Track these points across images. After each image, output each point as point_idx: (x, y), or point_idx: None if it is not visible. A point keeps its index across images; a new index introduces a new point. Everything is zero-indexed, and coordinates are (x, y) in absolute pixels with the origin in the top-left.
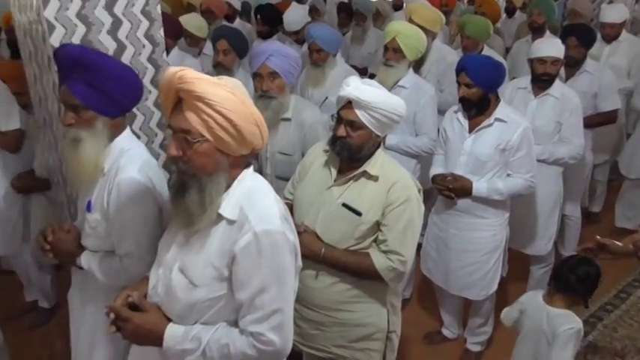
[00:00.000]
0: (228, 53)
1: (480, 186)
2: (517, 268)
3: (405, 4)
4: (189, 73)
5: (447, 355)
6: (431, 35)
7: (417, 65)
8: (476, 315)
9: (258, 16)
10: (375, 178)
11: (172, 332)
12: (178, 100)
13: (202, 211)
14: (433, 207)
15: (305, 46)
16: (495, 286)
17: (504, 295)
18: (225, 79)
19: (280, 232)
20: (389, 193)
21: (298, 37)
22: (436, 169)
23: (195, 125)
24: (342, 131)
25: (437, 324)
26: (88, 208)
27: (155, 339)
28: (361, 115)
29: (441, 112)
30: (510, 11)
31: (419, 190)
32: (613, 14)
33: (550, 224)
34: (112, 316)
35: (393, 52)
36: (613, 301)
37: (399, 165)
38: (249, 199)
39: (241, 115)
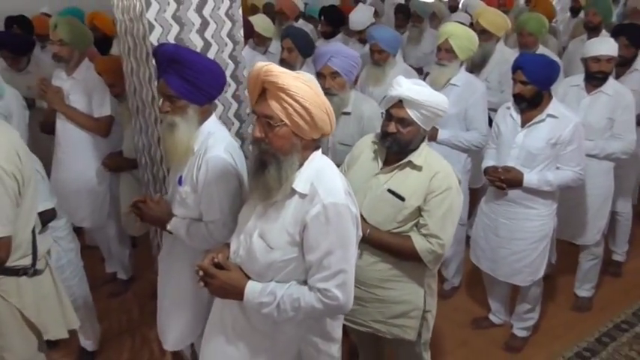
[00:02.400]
0: (292, 51)
1: (530, 177)
2: (566, 260)
3: (460, 5)
4: (274, 68)
5: (493, 340)
6: (495, 39)
7: (479, 67)
8: (523, 301)
9: (322, 17)
10: (419, 168)
11: (252, 287)
12: (263, 90)
13: (279, 185)
14: (483, 198)
15: (367, 46)
16: (542, 273)
17: (552, 286)
18: (302, 74)
19: (345, 204)
20: (431, 181)
21: (362, 36)
22: (488, 162)
23: (276, 112)
24: (392, 128)
25: (484, 311)
26: (180, 182)
27: (237, 293)
28: (411, 113)
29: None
30: (576, 10)
31: (459, 181)
32: None
33: (600, 217)
34: (201, 273)
35: (445, 52)
36: None
37: (442, 157)
38: (319, 176)
39: (315, 104)
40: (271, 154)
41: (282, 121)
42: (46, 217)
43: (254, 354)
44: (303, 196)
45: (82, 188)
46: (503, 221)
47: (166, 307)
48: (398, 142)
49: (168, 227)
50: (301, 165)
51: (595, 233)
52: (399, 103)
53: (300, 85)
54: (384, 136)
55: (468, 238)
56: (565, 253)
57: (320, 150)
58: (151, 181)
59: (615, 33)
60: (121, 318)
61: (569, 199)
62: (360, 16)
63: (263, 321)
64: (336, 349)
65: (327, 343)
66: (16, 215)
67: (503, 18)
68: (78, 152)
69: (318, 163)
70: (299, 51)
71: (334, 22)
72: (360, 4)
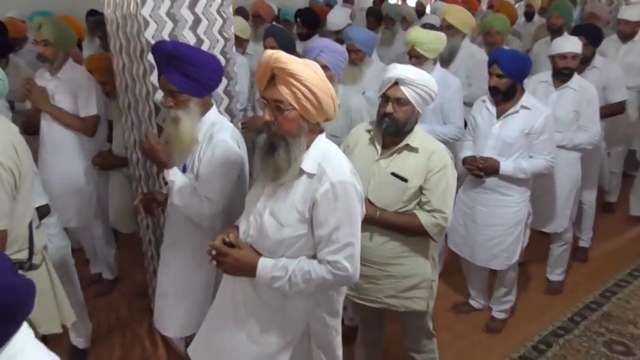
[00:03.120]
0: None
1: (506, 165)
2: (537, 249)
3: (428, 10)
4: (283, 55)
5: (473, 324)
6: (461, 35)
7: (447, 62)
8: (501, 285)
9: (298, 19)
10: (415, 150)
11: (264, 263)
12: (272, 76)
13: (288, 166)
14: (461, 187)
15: (343, 47)
16: (517, 257)
17: (526, 272)
18: (308, 61)
19: (351, 182)
20: (429, 161)
21: (338, 37)
22: (466, 153)
23: (286, 96)
24: (389, 108)
25: (464, 297)
26: (184, 169)
27: (250, 270)
28: (407, 92)
29: (470, 104)
30: (529, 15)
31: (452, 159)
32: (631, 12)
33: (568, 204)
34: (214, 252)
35: (415, 58)
36: (627, 278)
37: (434, 138)
38: (325, 157)
39: (322, 89)
40: (280, 136)
41: (292, 105)
42: (41, 213)
43: (265, 329)
44: (311, 175)
45: (69, 188)
46: (480, 208)
47: (167, 296)
48: (395, 122)
49: (170, 176)
50: (308, 147)
51: (564, 220)
52: (395, 84)
53: (308, 71)
54: (381, 118)
55: None
56: (536, 242)
57: (324, 134)
58: (143, 177)
59: (575, 33)
60: (109, 317)
61: (539, 189)
62: (337, 18)
63: (274, 297)
64: (338, 324)
65: (333, 318)
66: (12, 209)
67: (468, 15)
68: (64, 152)
69: (323, 145)
70: (281, 49)
71: (310, 24)
72: (337, 6)
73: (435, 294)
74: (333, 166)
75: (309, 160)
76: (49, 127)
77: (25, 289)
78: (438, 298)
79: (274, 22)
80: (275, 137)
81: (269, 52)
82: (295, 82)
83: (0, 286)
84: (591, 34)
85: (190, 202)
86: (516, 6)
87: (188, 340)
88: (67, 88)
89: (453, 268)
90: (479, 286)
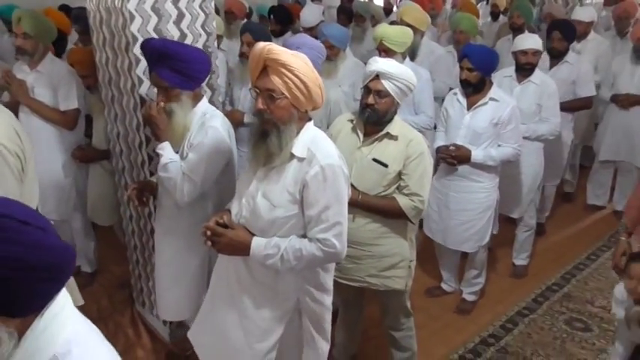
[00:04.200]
0: (251, 45)
1: (477, 153)
2: (503, 236)
3: (394, 9)
4: (275, 47)
5: (445, 305)
6: (419, 33)
7: (410, 59)
8: (471, 267)
9: (272, 16)
10: (395, 138)
11: (257, 242)
12: (264, 67)
13: (280, 151)
14: (434, 176)
15: None
16: (487, 239)
17: (493, 258)
18: (298, 53)
19: (339, 165)
20: (407, 148)
21: (311, 33)
22: (439, 142)
23: (278, 85)
24: (371, 100)
25: (436, 281)
26: None
27: (243, 248)
28: (387, 85)
29: (435, 98)
30: (495, 15)
31: (428, 147)
32: (583, 14)
33: (532, 191)
34: (209, 233)
35: (384, 52)
36: (585, 261)
37: (411, 127)
38: (314, 142)
39: (311, 79)
40: (272, 123)
41: (283, 93)
42: None
43: (258, 305)
44: (301, 159)
45: (48, 181)
46: (453, 194)
47: (163, 282)
48: (376, 112)
49: (160, 149)
50: (298, 133)
51: (528, 205)
52: (376, 77)
53: (299, 61)
54: (363, 108)
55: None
56: (503, 229)
57: (312, 121)
58: (127, 168)
59: (550, 28)
60: (91, 308)
61: (506, 177)
62: (310, 15)
63: (265, 274)
64: (329, 300)
65: (321, 293)
66: (21, 193)
67: (424, 14)
68: (43, 145)
69: (312, 131)
70: None
71: (283, 20)
72: (309, 4)
73: (413, 274)
74: (321, 151)
75: (299, 145)
76: (27, 119)
77: (69, 251)
78: (412, 282)
79: (246, 19)
80: (267, 124)
81: (261, 44)
82: (287, 72)
83: (52, 246)
84: (566, 29)
85: (174, 177)
86: (478, 6)
87: (172, 327)
88: (47, 81)
89: (427, 255)
90: (451, 270)
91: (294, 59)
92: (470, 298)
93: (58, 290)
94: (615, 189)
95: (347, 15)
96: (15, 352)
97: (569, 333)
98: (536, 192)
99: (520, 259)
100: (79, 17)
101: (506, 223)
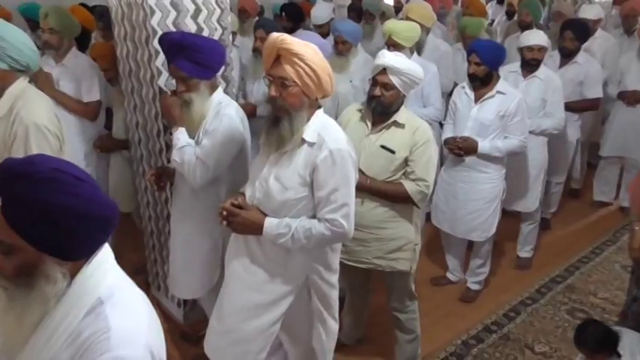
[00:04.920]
0: (264, 40)
1: (483, 145)
2: (508, 229)
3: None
4: (288, 37)
5: (450, 295)
6: (425, 30)
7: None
8: (476, 256)
9: (283, 14)
10: (402, 126)
11: (270, 222)
12: (277, 56)
13: (291, 135)
14: (442, 167)
15: (328, 39)
16: (494, 230)
17: (498, 250)
18: (309, 43)
19: (347, 150)
20: (414, 135)
21: (323, 30)
22: (447, 134)
23: (290, 74)
24: (377, 92)
25: (442, 271)
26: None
27: (257, 228)
28: (393, 79)
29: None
30: (511, 14)
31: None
32: (590, 12)
33: (536, 185)
34: (225, 213)
35: (393, 47)
36: (589, 255)
37: (417, 116)
38: (324, 128)
39: (321, 68)
40: (285, 109)
41: (295, 81)
42: None
43: (269, 280)
44: (311, 144)
45: None
46: (460, 185)
47: (179, 262)
48: (382, 104)
49: (177, 133)
50: (308, 120)
51: (533, 200)
52: (384, 70)
53: (310, 51)
54: (370, 99)
55: (428, 215)
56: (508, 222)
57: (322, 109)
58: (145, 156)
59: (563, 27)
60: None
61: (511, 171)
62: (321, 12)
63: (277, 252)
64: (335, 279)
65: (328, 272)
66: None
67: (429, 10)
68: (66, 136)
69: (322, 118)
70: None
71: (294, 17)
72: (320, 1)
73: (418, 257)
74: (331, 136)
75: (309, 131)
76: None
77: (116, 207)
78: (418, 272)
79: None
80: (280, 111)
81: (274, 34)
82: (298, 61)
83: (103, 201)
84: (579, 28)
85: (188, 160)
86: (488, 5)
87: (186, 309)
88: (71, 74)
89: (433, 247)
90: (456, 260)
91: (306, 49)
92: (474, 287)
93: (104, 241)
94: (622, 186)
95: (357, 13)
96: (67, 292)
97: (571, 322)
98: (541, 185)
99: (524, 252)
100: (101, 14)
101: (511, 217)
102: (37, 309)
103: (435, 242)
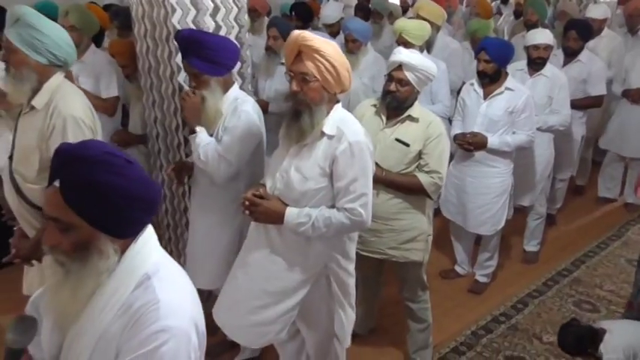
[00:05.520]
0: (277, 39)
1: (492, 140)
2: (515, 225)
3: (410, 7)
4: (308, 34)
5: (458, 287)
6: (435, 27)
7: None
8: (484, 250)
9: (293, 13)
10: (416, 120)
11: (291, 211)
12: (299, 52)
13: (312, 129)
14: (451, 162)
15: (336, 39)
16: (503, 223)
17: (505, 244)
18: (328, 40)
19: (365, 142)
20: (427, 129)
21: (333, 29)
22: (456, 130)
23: (311, 69)
24: (393, 87)
25: (450, 264)
26: None
27: (278, 217)
28: (408, 75)
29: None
30: (519, 14)
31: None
32: (596, 11)
33: (542, 180)
34: (247, 203)
35: (403, 45)
36: (595, 249)
37: (430, 111)
38: (343, 121)
39: (341, 63)
40: (306, 104)
41: (316, 77)
42: None
43: (289, 268)
44: (330, 137)
45: None
46: (470, 180)
47: (198, 254)
48: (397, 99)
49: (198, 133)
50: (328, 113)
51: (539, 194)
52: (399, 67)
53: (330, 47)
54: (385, 94)
55: (437, 210)
56: (514, 217)
57: (340, 103)
58: (163, 150)
59: (567, 27)
60: None
61: (517, 166)
62: (331, 11)
63: (297, 241)
64: (352, 268)
65: (346, 260)
66: None
67: (440, 9)
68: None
69: (340, 112)
70: (283, 39)
71: (304, 17)
72: (330, 1)
73: (430, 248)
74: (350, 129)
75: (329, 124)
76: None
77: (160, 189)
78: (428, 264)
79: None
80: (301, 105)
81: (296, 32)
82: (319, 57)
83: (149, 183)
84: (582, 29)
85: (211, 158)
86: (492, 4)
87: (202, 300)
88: (90, 70)
89: (442, 241)
90: (465, 254)
91: (326, 45)
92: (482, 279)
93: (149, 221)
94: (626, 182)
95: (364, 12)
96: (117, 267)
97: (578, 313)
98: (547, 181)
99: (531, 246)
100: (117, 13)
101: (518, 212)
102: (91, 282)
103: (443, 236)
